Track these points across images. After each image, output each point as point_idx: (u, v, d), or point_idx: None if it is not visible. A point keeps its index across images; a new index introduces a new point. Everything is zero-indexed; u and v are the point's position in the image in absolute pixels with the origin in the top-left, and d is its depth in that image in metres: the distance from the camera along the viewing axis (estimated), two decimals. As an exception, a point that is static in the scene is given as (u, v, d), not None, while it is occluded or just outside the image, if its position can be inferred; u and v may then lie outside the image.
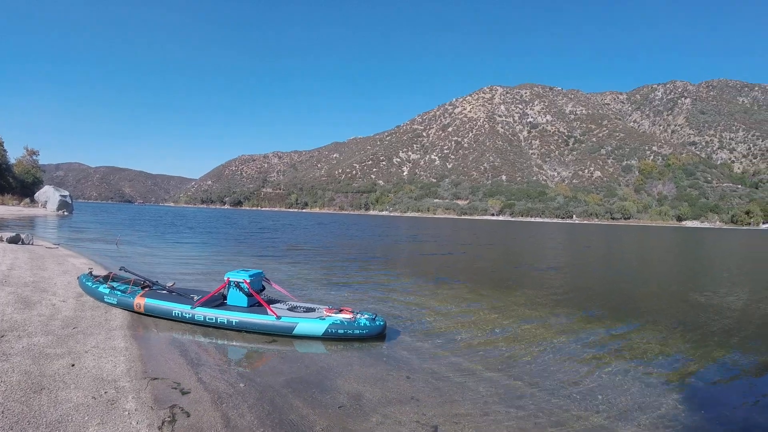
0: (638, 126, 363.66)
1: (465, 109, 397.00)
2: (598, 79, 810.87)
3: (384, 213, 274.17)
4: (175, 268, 16.33)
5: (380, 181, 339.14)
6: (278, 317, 8.27)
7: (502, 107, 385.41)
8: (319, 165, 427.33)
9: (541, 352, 7.99)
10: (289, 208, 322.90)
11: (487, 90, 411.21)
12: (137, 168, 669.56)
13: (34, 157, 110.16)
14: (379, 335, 8.42)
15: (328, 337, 8.17)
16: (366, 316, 8.52)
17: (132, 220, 60.01)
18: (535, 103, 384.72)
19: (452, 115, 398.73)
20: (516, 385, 6.47)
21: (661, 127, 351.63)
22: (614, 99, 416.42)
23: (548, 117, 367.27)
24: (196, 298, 9.08)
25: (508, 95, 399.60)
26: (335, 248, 29.12)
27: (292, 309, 8.88)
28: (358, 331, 8.19)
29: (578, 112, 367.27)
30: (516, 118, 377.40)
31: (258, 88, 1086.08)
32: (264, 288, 9.49)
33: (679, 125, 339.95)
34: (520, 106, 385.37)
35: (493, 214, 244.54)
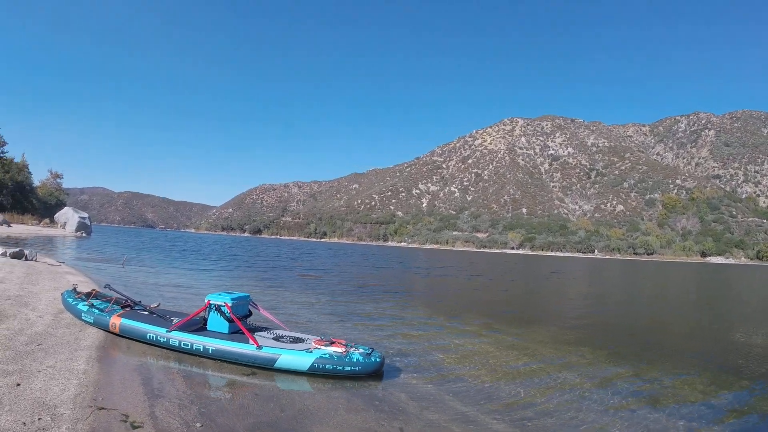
0: (661, 159, 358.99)
1: (485, 141, 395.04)
2: (620, 110, 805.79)
3: (402, 244, 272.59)
4: (173, 290, 15.95)
5: (399, 213, 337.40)
6: (259, 347, 7.38)
7: (523, 139, 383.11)
8: (338, 195, 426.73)
9: (563, 401, 6.92)
10: (308, 237, 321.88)
11: (508, 122, 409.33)
12: (160, 194, 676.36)
13: (58, 180, 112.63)
14: (374, 373, 7.41)
15: (314, 373, 7.23)
16: (361, 350, 7.52)
17: (148, 244, 60.18)
18: (557, 135, 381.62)
19: (472, 146, 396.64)
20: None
21: (684, 160, 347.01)
22: (637, 131, 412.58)
23: (570, 149, 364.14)
24: (175, 320, 8.31)
25: (528, 127, 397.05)
26: (347, 276, 28.95)
27: (277, 338, 7.99)
28: (349, 368, 7.22)
29: (600, 145, 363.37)
30: (537, 150, 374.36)
31: (278, 116, 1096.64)
32: (250, 313, 8.77)
33: (703, 158, 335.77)
34: (541, 138, 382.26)
35: (513, 248, 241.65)
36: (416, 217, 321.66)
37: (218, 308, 8.04)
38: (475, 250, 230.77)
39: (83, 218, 68.31)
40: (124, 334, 8.27)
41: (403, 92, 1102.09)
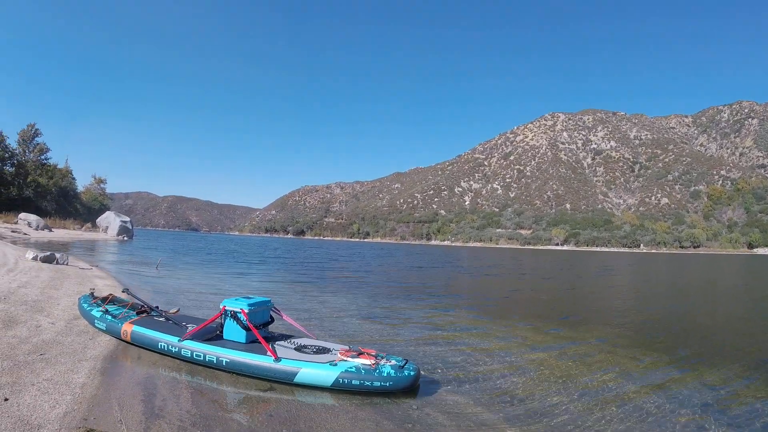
0: (705, 150, 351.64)
1: (527, 137, 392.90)
2: (662, 102, 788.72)
3: (446, 243, 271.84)
4: (205, 295, 15.21)
5: (442, 211, 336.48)
6: (277, 359, 6.65)
7: (565, 134, 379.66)
8: (380, 195, 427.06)
9: (628, 417, 5.88)
10: (351, 237, 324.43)
11: (549, 117, 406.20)
12: (204, 198, 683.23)
13: (102, 185, 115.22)
14: (408, 389, 6.50)
15: (339, 388, 6.41)
16: (393, 362, 6.70)
17: (188, 246, 60.58)
18: (599, 129, 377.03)
19: (514, 143, 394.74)
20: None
21: (728, 150, 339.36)
22: (679, 122, 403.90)
23: (612, 143, 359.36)
24: (190, 328, 7.75)
25: (570, 122, 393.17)
26: (387, 277, 28.16)
27: (299, 349, 7.23)
28: (378, 383, 6.33)
29: (643, 137, 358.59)
30: (579, 144, 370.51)
31: (320, 117, 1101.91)
32: (271, 320, 8.07)
33: (747, 147, 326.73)
34: (583, 133, 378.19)
35: (557, 244, 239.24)
36: (459, 216, 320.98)
37: (234, 315, 7.37)
38: (519, 247, 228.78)
39: (125, 222, 68.92)
40: (135, 343, 7.78)
41: (443, 89, 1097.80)
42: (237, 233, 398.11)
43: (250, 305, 7.40)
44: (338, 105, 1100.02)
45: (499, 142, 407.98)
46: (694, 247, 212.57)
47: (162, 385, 6.32)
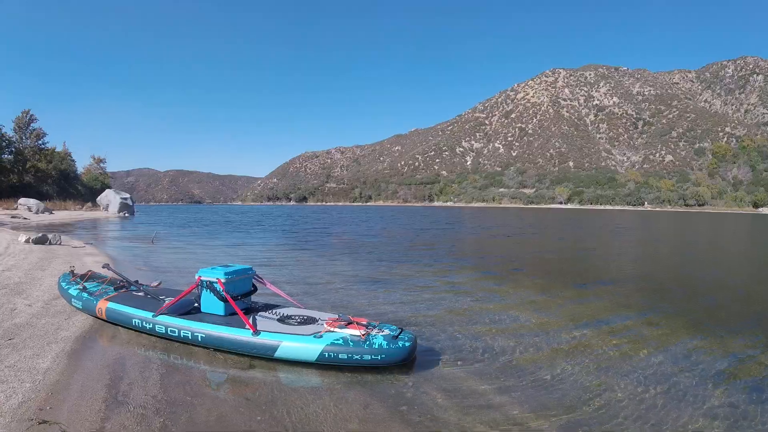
0: (709, 106, 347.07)
1: (528, 94, 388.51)
2: (665, 56, 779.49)
3: (448, 204, 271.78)
4: (198, 266, 13.68)
5: (443, 172, 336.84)
6: (256, 332, 5.96)
7: (566, 90, 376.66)
8: (381, 158, 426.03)
9: (648, 397, 5.06)
10: (353, 202, 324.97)
11: (550, 73, 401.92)
12: (205, 170, 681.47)
13: (102, 165, 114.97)
14: (403, 362, 5.76)
15: (325, 363, 5.70)
16: (386, 331, 5.95)
17: (189, 219, 60.57)
18: (601, 84, 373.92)
19: (515, 101, 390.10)
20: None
21: (733, 107, 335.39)
22: (683, 78, 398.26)
23: (615, 99, 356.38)
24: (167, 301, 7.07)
25: (571, 78, 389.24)
26: (388, 240, 27.70)
27: (283, 320, 6.56)
28: (369, 356, 5.61)
29: (646, 93, 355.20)
30: (581, 101, 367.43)
31: (317, 83, 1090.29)
32: (254, 290, 7.34)
33: (752, 104, 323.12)
34: (585, 89, 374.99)
35: (561, 203, 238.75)
36: (461, 176, 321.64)
37: (210, 285, 6.65)
38: (522, 206, 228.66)
39: (125, 199, 68.44)
40: (110, 320, 7.21)
41: (440, 49, 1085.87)
42: (240, 203, 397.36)
43: (226, 274, 6.73)
44: (335, 69, 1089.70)
45: (500, 100, 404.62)
46: (699, 206, 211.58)
47: (131, 366, 5.76)
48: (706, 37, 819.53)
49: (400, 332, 5.90)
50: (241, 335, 5.99)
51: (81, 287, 7.94)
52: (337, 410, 4.65)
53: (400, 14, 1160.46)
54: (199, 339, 6.22)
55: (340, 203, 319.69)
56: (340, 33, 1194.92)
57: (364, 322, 6.12)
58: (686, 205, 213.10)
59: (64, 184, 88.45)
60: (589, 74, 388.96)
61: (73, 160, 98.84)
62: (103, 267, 8.93)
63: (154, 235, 26.33)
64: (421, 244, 25.21)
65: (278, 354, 5.78)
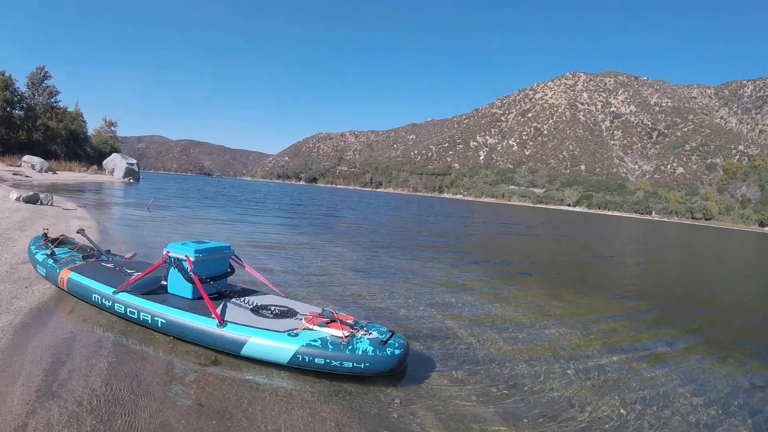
0: (725, 123, 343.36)
1: (546, 94, 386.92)
2: (686, 70, 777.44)
3: (458, 197, 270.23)
4: (189, 238, 12.78)
5: (456, 165, 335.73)
6: (222, 323, 5.15)
7: (585, 95, 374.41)
8: (395, 146, 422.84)
9: (661, 413, 4.81)
10: (363, 187, 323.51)
11: (570, 76, 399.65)
12: (216, 142, 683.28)
13: (113, 128, 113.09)
14: (391, 372, 4.94)
15: (298, 367, 4.91)
16: (374, 333, 5.17)
17: (193, 189, 59.62)
18: (619, 92, 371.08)
19: (533, 100, 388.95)
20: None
21: (748, 126, 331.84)
22: (701, 93, 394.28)
23: (632, 107, 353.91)
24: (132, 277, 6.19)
25: (591, 82, 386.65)
26: (394, 228, 27.02)
27: (257, 310, 5.65)
28: (350, 363, 4.77)
29: (663, 104, 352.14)
30: (599, 107, 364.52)
31: (336, 65, 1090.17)
32: (231, 271, 6.53)
33: (767, 125, 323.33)
34: (603, 95, 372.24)
35: (569, 205, 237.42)
36: (473, 170, 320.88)
37: (178, 263, 5.79)
38: (531, 205, 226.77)
39: (131, 164, 67.53)
40: (71, 292, 6.48)
41: (463, 41, 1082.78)
42: (249, 179, 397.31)
43: (197, 252, 5.84)
44: (355, 53, 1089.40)
45: (518, 98, 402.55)
46: (706, 219, 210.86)
47: (80, 350, 4.98)
48: (728, 54, 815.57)
49: (390, 336, 5.15)
50: (205, 325, 5.19)
51: (49, 252, 7.29)
52: (308, 427, 3.93)
53: (426, 2, 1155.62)
54: (159, 324, 5.46)
55: (351, 187, 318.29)
56: (366, 14, 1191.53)
57: (350, 321, 5.29)
58: (693, 218, 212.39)
59: (73, 145, 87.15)
60: (609, 81, 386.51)
61: (84, 121, 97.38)
62: (78, 232, 8.45)
63: (151, 202, 25.57)
64: (429, 237, 24.22)
65: (245, 351, 4.99)
